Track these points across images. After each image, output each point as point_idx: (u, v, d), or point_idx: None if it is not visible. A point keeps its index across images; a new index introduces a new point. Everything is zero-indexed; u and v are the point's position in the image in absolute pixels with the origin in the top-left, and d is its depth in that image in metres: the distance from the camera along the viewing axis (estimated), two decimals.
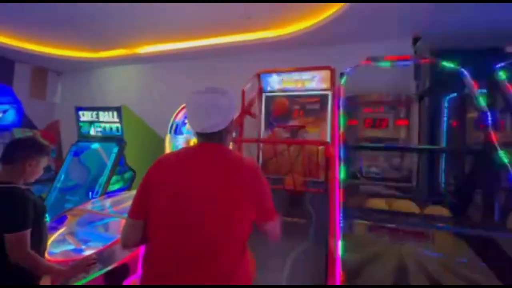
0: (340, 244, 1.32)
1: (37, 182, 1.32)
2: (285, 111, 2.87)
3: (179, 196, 0.85)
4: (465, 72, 1.89)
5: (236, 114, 1.02)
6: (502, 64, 1.84)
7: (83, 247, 1.65)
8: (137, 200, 0.90)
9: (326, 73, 2.71)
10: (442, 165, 2.62)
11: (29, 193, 1.20)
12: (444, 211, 1.89)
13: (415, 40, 2.83)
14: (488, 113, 1.65)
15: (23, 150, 1.21)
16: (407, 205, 1.89)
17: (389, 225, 1.76)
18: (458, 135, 2.34)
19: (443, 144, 2.67)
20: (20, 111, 3.22)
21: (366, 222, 1.85)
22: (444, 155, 2.65)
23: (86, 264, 1.30)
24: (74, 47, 4.04)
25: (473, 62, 2.04)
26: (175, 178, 0.88)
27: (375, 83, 2.80)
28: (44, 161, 1.26)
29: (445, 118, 2.64)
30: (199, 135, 0.94)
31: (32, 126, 4.20)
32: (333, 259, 1.22)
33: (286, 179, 2.20)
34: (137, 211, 0.89)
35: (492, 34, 2.54)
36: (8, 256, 1.07)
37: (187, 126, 2.95)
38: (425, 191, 2.63)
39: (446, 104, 2.64)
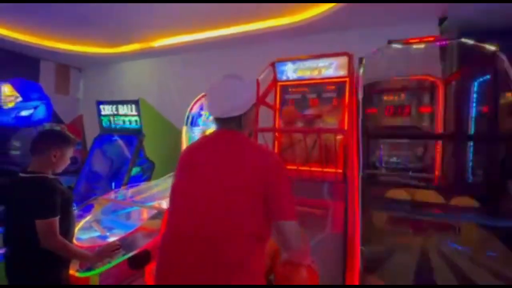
0: (359, 235, 1.29)
1: (66, 173, 1.39)
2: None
3: (192, 183, 0.86)
4: (501, 54, 1.74)
5: (254, 102, 0.96)
6: None
7: (108, 234, 1.74)
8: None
9: (343, 60, 2.60)
10: (470, 153, 2.46)
11: (57, 183, 1.27)
12: (471, 202, 1.78)
13: (442, 20, 2.63)
14: None
15: (48, 141, 1.27)
16: (431, 196, 1.80)
17: (411, 216, 1.70)
18: (490, 121, 2.17)
19: (471, 131, 2.50)
20: (49, 107, 3.39)
21: (387, 212, 1.79)
22: (472, 143, 2.49)
23: (111, 250, 1.36)
24: (93, 43, 4.17)
25: (508, 42, 1.87)
26: (189, 166, 0.90)
27: (396, 68, 2.65)
28: (69, 152, 1.31)
29: (474, 104, 2.46)
30: (217, 121, 0.93)
31: (59, 121, 4.42)
32: (352, 251, 1.19)
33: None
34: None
35: None
36: (40, 242, 1.14)
37: (203, 117, 2.97)
38: (450, 181, 2.49)
39: (475, 89, 2.45)
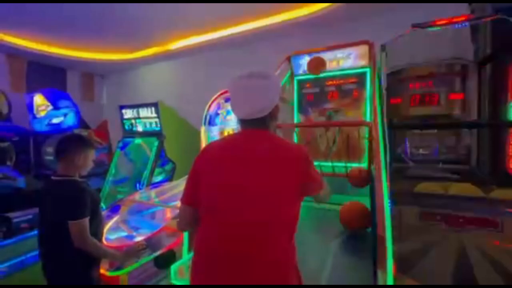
0: (389, 232, 1.21)
1: (94, 175, 1.46)
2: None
3: (228, 182, 0.85)
4: None
5: (279, 98, 0.95)
6: None
7: (134, 233, 1.79)
8: (187, 188, 0.93)
9: (363, 49, 2.48)
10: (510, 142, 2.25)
11: (85, 185, 1.32)
12: None
13: None
14: None
15: (71, 146, 1.32)
16: (468, 189, 1.65)
17: (446, 211, 1.57)
18: None
19: (509, 118, 2.28)
20: (77, 114, 3.59)
21: (418, 208, 1.68)
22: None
23: (137, 250, 1.40)
24: (113, 51, 4.34)
25: None
26: (223, 165, 0.87)
27: (422, 54, 2.48)
28: (90, 154, 1.36)
29: None
30: (242, 121, 0.92)
31: (87, 126, 4.66)
32: (383, 250, 1.12)
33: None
34: (188, 198, 0.92)
35: None
36: (73, 241, 1.19)
37: (220, 116, 2.98)
38: (487, 173, 2.29)
39: None
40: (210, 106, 3.07)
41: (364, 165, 2.24)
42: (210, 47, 3.78)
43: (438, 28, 1.86)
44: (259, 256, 0.79)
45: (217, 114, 3.00)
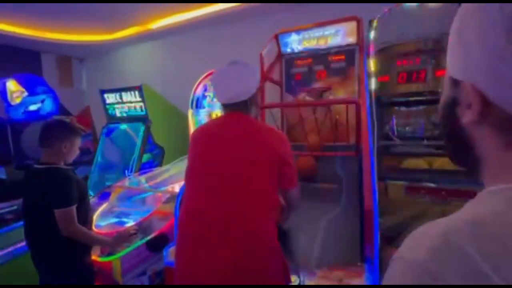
0: (376, 206, 1.25)
1: (80, 163, 1.42)
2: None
3: (208, 161, 0.91)
4: None
5: (258, 86, 1.04)
6: None
7: (125, 219, 1.78)
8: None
9: (351, 25, 2.43)
10: None
11: (71, 173, 1.29)
12: None
13: None
14: None
15: (55, 133, 1.27)
16: (451, 163, 1.72)
17: (430, 185, 1.64)
18: None
19: None
20: (56, 100, 3.41)
21: (403, 182, 1.74)
22: None
23: (129, 234, 1.40)
24: (91, 31, 4.07)
25: None
26: (204, 146, 0.96)
27: (409, 30, 2.45)
28: (77, 142, 1.32)
29: None
30: (225, 106, 1.00)
31: (67, 113, 4.46)
32: (370, 223, 1.16)
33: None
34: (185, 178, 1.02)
35: None
36: (61, 230, 1.17)
37: (208, 99, 2.91)
38: None
39: None
40: (196, 88, 2.99)
41: (352, 143, 2.27)
42: (194, 26, 3.61)
43: (427, 3, 1.82)
44: (237, 228, 0.84)
45: (204, 97, 2.92)
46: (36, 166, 1.25)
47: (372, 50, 2.05)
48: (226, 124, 0.98)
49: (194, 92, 2.92)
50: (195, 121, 2.96)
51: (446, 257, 0.23)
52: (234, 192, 0.87)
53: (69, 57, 4.84)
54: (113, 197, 2.06)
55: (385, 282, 0.27)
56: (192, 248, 0.87)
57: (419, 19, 2.30)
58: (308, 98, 2.75)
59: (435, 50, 2.44)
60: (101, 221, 1.79)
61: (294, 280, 1.13)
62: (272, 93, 2.74)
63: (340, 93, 2.65)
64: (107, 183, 2.62)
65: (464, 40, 0.29)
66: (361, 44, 2.37)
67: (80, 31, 4.01)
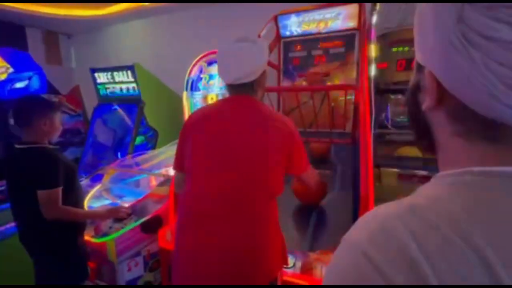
0: (373, 194, 1.27)
1: (71, 144, 1.36)
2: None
3: (212, 146, 0.88)
4: None
5: (266, 66, 0.96)
6: None
7: (119, 201, 1.77)
8: (177, 153, 0.98)
9: (353, 8, 2.35)
10: None
11: (57, 152, 1.22)
12: None
13: None
14: None
15: (33, 111, 1.18)
16: None
17: (422, 172, 1.67)
18: None
19: None
20: (43, 78, 3.26)
21: (396, 170, 1.76)
22: None
23: (122, 211, 1.40)
24: (79, 6, 3.84)
25: None
26: (209, 128, 0.90)
27: (411, 17, 2.40)
28: (57, 117, 1.23)
29: None
30: (230, 87, 0.93)
31: (56, 92, 4.30)
32: (366, 207, 1.18)
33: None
34: (178, 163, 0.98)
35: None
36: (43, 213, 1.12)
37: (203, 81, 2.83)
38: None
39: None
40: (191, 70, 2.89)
41: (348, 131, 2.26)
42: (190, 4, 3.45)
43: None
44: (238, 213, 0.83)
45: (199, 79, 2.84)
46: (17, 146, 1.17)
47: (374, 33, 2.00)
48: (231, 108, 0.91)
49: (189, 74, 2.83)
50: (190, 104, 2.89)
51: (382, 240, 0.24)
52: (239, 179, 0.84)
53: (56, 33, 4.60)
54: (106, 179, 2.03)
55: (330, 261, 0.28)
56: (193, 232, 0.86)
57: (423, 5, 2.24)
58: (304, 83, 2.71)
59: None
60: (94, 203, 1.77)
61: (290, 259, 1.16)
62: (269, 77, 2.68)
63: (338, 79, 2.62)
64: (100, 165, 2.57)
65: (423, 26, 0.29)
66: (363, 28, 2.32)
67: (68, 5, 3.78)
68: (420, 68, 0.31)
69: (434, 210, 0.24)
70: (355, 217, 1.42)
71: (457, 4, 0.24)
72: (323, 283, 0.28)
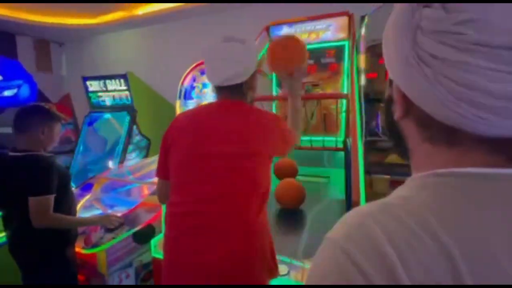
0: (363, 198, 1.29)
1: (61, 153, 1.35)
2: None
3: (197, 152, 0.84)
4: None
5: (256, 67, 0.91)
6: None
7: (110, 211, 1.73)
8: (160, 160, 0.91)
9: (343, 20, 2.43)
10: None
11: (53, 160, 1.21)
12: None
13: None
14: None
15: (33, 119, 1.19)
16: None
17: None
18: None
19: None
20: (33, 86, 3.21)
21: (387, 176, 1.80)
22: None
23: (115, 218, 1.38)
24: (71, 14, 3.84)
25: None
26: (196, 135, 0.86)
27: None
28: (56, 128, 1.24)
29: None
30: (218, 90, 0.88)
31: (46, 100, 4.24)
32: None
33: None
34: (162, 170, 0.91)
35: None
36: (31, 220, 1.09)
37: (196, 90, 2.85)
38: None
39: None
40: (184, 79, 2.91)
41: (340, 139, 2.31)
42: (183, 14, 3.50)
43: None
44: (227, 225, 0.80)
45: (192, 88, 2.86)
46: (11, 153, 1.16)
47: (363, 45, 2.08)
48: (219, 111, 0.87)
49: (182, 83, 2.85)
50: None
51: (358, 237, 0.26)
52: (227, 185, 0.81)
53: (47, 41, 4.56)
54: (96, 188, 1.99)
55: (313, 258, 0.31)
56: (180, 247, 0.83)
57: None
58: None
59: None
60: (84, 213, 1.73)
61: (283, 269, 1.15)
62: (263, 86, 2.72)
63: (330, 88, 2.68)
64: (90, 174, 2.53)
65: (388, 47, 0.32)
66: (352, 40, 2.40)
67: (59, 13, 3.77)
68: (391, 82, 0.35)
69: (403, 208, 0.27)
70: None
71: (412, 30, 0.28)
72: (306, 279, 0.30)
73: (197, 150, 0.84)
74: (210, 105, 0.95)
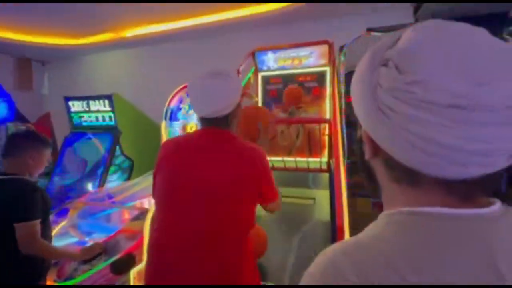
0: (347, 223, 1.31)
1: (37, 175, 1.31)
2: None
3: (183, 180, 0.84)
4: None
5: (240, 98, 0.96)
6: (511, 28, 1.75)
7: (87, 239, 1.63)
8: (153, 183, 0.95)
9: (324, 48, 2.59)
10: None
11: (37, 186, 1.20)
12: None
13: (416, 8, 2.68)
14: None
15: (24, 143, 1.20)
16: None
17: None
18: None
19: None
20: (11, 105, 3.10)
21: (371, 199, 1.84)
22: None
23: (99, 248, 1.32)
24: (56, 34, 3.81)
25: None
26: (175, 162, 0.87)
27: None
28: (46, 154, 1.25)
29: None
30: (203, 120, 0.91)
31: (24, 120, 4.07)
32: (342, 236, 1.20)
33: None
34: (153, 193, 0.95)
35: None
36: (19, 247, 1.05)
37: (182, 111, 2.86)
38: None
39: None
40: (171, 100, 2.93)
41: (325, 160, 2.36)
42: (172, 37, 3.58)
43: (390, 33, 2.03)
44: (210, 253, 0.80)
45: (179, 109, 2.87)
46: None
47: (342, 72, 2.20)
48: (204, 140, 0.89)
49: (169, 104, 2.85)
50: (168, 133, 2.87)
51: (330, 274, 0.29)
52: (209, 213, 0.81)
53: (28, 59, 4.48)
54: (72, 214, 1.88)
55: None
56: (163, 275, 0.81)
57: None
58: (281, 114, 2.84)
59: None
60: (58, 241, 1.62)
61: None
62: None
63: (313, 110, 2.78)
64: (67, 198, 2.40)
65: (355, 98, 0.36)
66: (333, 66, 2.54)
67: (43, 33, 3.74)
68: (360, 125, 0.39)
69: (371, 244, 0.30)
70: (333, 240, 1.44)
71: (373, 86, 0.32)
72: None
73: (182, 177, 0.85)
74: (196, 133, 0.98)
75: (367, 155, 0.37)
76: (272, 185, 0.92)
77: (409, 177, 0.32)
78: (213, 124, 0.89)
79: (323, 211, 1.90)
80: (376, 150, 0.35)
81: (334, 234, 1.40)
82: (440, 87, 0.27)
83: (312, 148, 2.45)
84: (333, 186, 1.70)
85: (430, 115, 0.27)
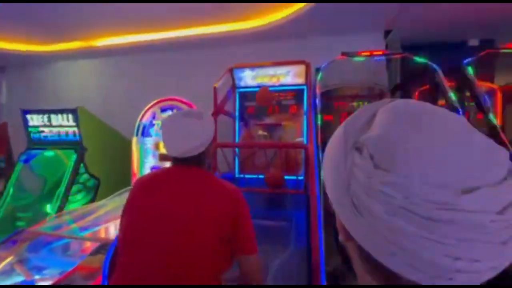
0: (322, 253, 1.27)
1: None
2: (268, 101, 2.63)
3: (152, 222, 0.80)
4: (436, 67, 1.91)
5: (212, 137, 0.95)
6: (469, 59, 1.88)
7: (36, 277, 1.43)
8: (119, 224, 0.89)
9: (300, 68, 2.63)
10: None
11: None
12: None
13: (387, 33, 2.84)
14: (459, 109, 1.69)
15: None
16: None
17: None
18: None
19: None
20: None
21: None
22: None
23: None
24: (18, 40, 3.53)
25: (441, 56, 2.08)
26: (148, 199, 0.84)
27: (349, 77, 2.79)
28: None
29: None
30: (176, 158, 0.90)
31: None
32: (317, 266, 1.16)
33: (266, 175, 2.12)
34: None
35: (454, 26, 2.62)
36: None
37: (155, 127, 2.73)
38: None
39: (416, 98, 2.70)
40: (144, 115, 2.78)
41: (301, 177, 2.35)
42: (147, 48, 3.46)
43: (362, 58, 2.10)
44: None
45: (152, 124, 2.73)
46: None
47: (318, 91, 2.24)
48: (176, 178, 0.87)
49: (141, 119, 2.71)
50: (140, 149, 2.72)
51: None
52: (178, 254, 0.76)
53: None
54: (20, 246, 1.65)
55: None
56: None
57: (356, 70, 2.64)
58: (261, 132, 2.82)
59: (369, 96, 2.83)
60: (3, 280, 1.40)
61: None
62: (224, 123, 2.72)
63: (291, 128, 2.80)
64: (19, 224, 2.14)
65: (328, 185, 0.34)
66: (309, 85, 2.58)
67: (2, 37, 3.44)
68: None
69: None
70: (309, 275, 1.39)
71: (346, 176, 0.29)
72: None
73: (150, 213, 0.81)
74: (168, 169, 0.92)
75: (341, 236, 0.34)
76: (249, 233, 0.84)
77: (387, 277, 0.29)
78: (185, 163, 0.89)
79: (300, 236, 1.86)
80: (348, 235, 0.31)
81: (310, 260, 1.36)
82: (417, 194, 0.24)
83: (289, 166, 2.44)
84: (309, 208, 1.68)
85: (409, 224, 0.24)
